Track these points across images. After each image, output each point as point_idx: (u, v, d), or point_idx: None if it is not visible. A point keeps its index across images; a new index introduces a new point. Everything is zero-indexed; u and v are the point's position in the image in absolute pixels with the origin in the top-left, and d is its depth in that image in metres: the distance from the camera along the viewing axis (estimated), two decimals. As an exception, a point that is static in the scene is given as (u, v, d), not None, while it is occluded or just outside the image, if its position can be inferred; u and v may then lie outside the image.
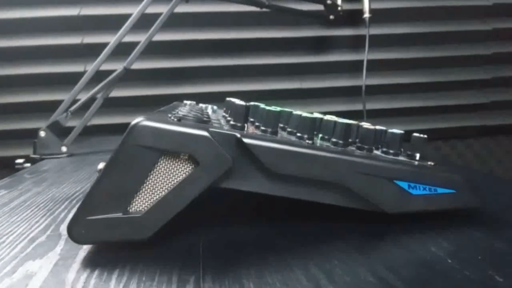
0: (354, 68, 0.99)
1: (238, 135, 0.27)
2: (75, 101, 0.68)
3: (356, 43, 0.99)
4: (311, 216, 0.32)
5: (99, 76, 0.69)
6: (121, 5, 0.92)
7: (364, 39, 0.92)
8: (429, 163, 0.31)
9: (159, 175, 0.27)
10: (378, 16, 0.96)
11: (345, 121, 0.32)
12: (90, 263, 0.26)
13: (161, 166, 0.27)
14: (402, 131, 0.34)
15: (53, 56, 0.91)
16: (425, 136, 0.32)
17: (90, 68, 0.68)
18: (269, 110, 0.30)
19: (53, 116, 0.65)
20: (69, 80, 0.78)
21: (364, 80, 0.93)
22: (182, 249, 0.27)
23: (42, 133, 0.64)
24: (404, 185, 0.29)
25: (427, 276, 0.22)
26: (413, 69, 1.01)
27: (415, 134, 0.33)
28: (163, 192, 0.27)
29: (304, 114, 0.31)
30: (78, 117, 0.69)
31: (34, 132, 0.65)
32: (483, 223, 0.30)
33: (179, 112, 0.30)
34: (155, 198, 0.27)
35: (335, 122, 0.32)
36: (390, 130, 0.33)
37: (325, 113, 1.00)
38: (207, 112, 0.39)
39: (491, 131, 1.06)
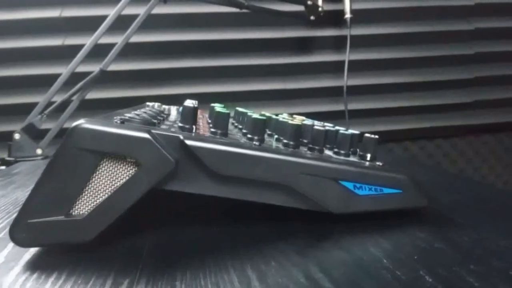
0: (338, 68, 0.99)
1: (181, 137, 0.27)
2: (50, 103, 0.68)
3: (339, 43, 1.00)
4: (259, 218, 0.32)
5: (80, 78, 0.69)
6: (103, 7, 0.92)
7: (350, 39, 0.92)
8: (377, 163, 0.31)
9: (101, 177, 0.27)
10: (361, 16, 0.96)
11: (296, 122, 0.32)
12: (32, 266, 0.26)
13: (103, 168, 0.27)
14: (356, 132, 0.34)
15: (34, 58, 0.91)
16: (376, 136, 0.33)
17: (65, 70, 0.68)
18: (218, 112, 0.30)
19: (28, 119, 0.65)
20: (49, 82, 0.78)
21: (345, 81, 0.93)
22: (125, 251, 0.27)
23: (16, 136, 0.64)
24: (349, 185, 0.29)
25: (357, 276, 0.22)
26: (396, 69, 1.01)
27: (367, 135, 0.33)
28: (105, 195, 0.27)
29: (255, 115, 0.31)
30: (54, 120, 0.69)
31: (9, 135, 0.65)
32: (428, 223, 0.30)
33: (126, 114, 0.30)
34: (97, 200, 0.27)
35: (286, 123, 0.32)
36: (341, 131, 0.33)
37: (301, 114, 1.00)
38: (167, 114, 0.39)
39: (475, 130, 1.06)
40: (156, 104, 0.44)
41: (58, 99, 0.69)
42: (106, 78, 0.93)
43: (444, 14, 1.00)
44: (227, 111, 0.30)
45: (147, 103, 0.44)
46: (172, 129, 0.29)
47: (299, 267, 0.24)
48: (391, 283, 0.21)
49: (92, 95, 0.90)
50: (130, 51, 0.93)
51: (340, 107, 1.00)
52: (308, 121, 0.45)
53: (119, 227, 0.29)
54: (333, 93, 1.00)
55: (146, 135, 0.26)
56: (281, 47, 0.99)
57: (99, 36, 0.69)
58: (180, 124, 0.30)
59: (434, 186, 0.41)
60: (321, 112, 1.02)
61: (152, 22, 0.92)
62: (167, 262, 0.25)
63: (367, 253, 0.25)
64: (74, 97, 0.68)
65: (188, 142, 0.27)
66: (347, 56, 0.93)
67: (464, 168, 1.09)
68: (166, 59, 0.95)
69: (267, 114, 0.43)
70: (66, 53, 0.91)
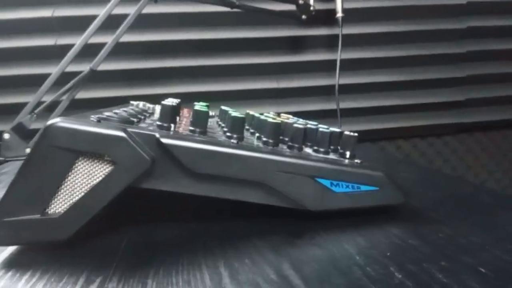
0: (330, 67, 0.99)
1: (157, 135, 0.27)
2: (40, 103, 0.68)
3: (332, 42, 1.00)
4: (238, 215, 0.32)
5: (71, 78, 0.69)
6: (95, 6, 0.92)
7: (342, 38, 0.92)
8: (356, 161, 0.31)
9: (77, 176, 0.27)
10: (353, 15, 0.96)
11: (276, 120, 0.32)
12: (7, 264, 0.26)
13: (79, 167, 0.27)
14: (336, 130, 0.34)
15: (26, 58, 0.91)
16: (356, 134, 0.33)
17: (55, 70, 0.68)
18: (197, 110, 0.31)
19: (18, 118, 0.65)
20: (41, 82, 0.78)
21: (337, 79, 0.93)
22: (100, 250, 0.27)
23: (6, 135, 0.63)
24: (326, 183, 0.29)
25: (327, 273, 0.22)
26: (388, 68, 1.01)
27: (346, 133, 0.33)
28: (81, 193, 0.27)
29: (234, 113, 0.32)
30: (44, 119, 0.68)
31: (-2, 134, 0.65)
32: (404, 219, 0.30)
33: (105, 113, 0.30)
34: (74, 199, 0.27)
35: (266, 121, 0.32)
36: (320, 129, 0.33)
37: (294, 113, 1.00)
38: (150, 113, 0.39)
39: (468, 128, 1.06)
40: (141, 103, 0.44)
41: (48, 98, 0.69)
42: (97, 78, 0.93)
43: (436, 13, 1.00)
44: (206, 110, 0.31)
45: (131, 102, 0.45)
46: (150, 128, 0.29)
47: (271, 264, 0.24)
48: (360, 279, 0.21)
49: (82, 94, 0.90)
50: (122, 50, 0.93)
51: (333, 106, 1.00)
52: (293, 120, 0.45)
53: (96, 226, 0.29)
54: (326, 92, 1.00)
55: (122, 134, 0.26)
56: (273, 46, 0.99)
57: (89, 36, 0.69)
58: (158, 123, 0.30)
59: (415, 183, 0.41)
60: (314, 111, 1.02)
61: (144, 22, 0.92)
62: (142, 260, 0.25)
63: (341, 249, 0.25)
64: (64, 97, 0.68)
65: (164, 140, 0.27)
66: (339, 55, 0.94)
67: (456, 166, 1.09)
68: (158, 58, 0.95)
69: (251, 112, 0.43)
70: (58, 53, 0.91)
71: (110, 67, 0.93)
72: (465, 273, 0.22)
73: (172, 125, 0.30)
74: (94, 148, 0.26)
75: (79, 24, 0.92)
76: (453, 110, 1.04)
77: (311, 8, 0.91)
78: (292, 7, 0.91)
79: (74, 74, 0.70)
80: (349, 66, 0.98)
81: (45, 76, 0.91)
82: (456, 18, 1.01)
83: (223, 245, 0.27)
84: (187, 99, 0.87)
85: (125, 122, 0.29)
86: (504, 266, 0.22)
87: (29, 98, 0.87)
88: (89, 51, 0.71)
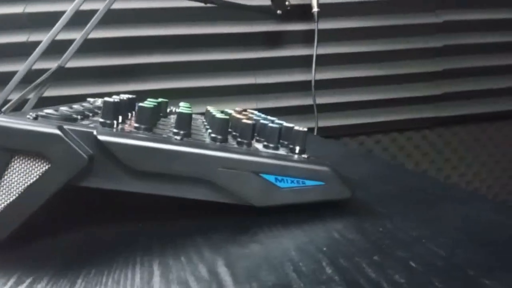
0: (308, 62, 0.99)
1: (95, 132, 0.27)
2: (7, 101, 0.67)
3: (309, 37, 0.99)
4: (182, 213, 0.31)
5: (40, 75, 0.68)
6: (68, 2, 0.90)
7: (319, 33, 0.92)
8: (304, 156, 0.31)
9: (13, 175, 0.26)
10: (328, 10, 0.96)
11: (224, 116, 0.32)
12: None
13: (15, 166, 0.26)
14: (287, 125, 0.34)
15: (-3, 55, 0.90)
16: (305, 129, 0.32)
17: (21, 67, 0.66)
18: (141, 106, 0.30)
19: (-18, 117, 0.63)
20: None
21: (313, 75, 0.94)
22: (37, 250, 0.26)
23: (-29, 134, 0.62)
24: (271, 178, 0.29)
25: (259, 269, 0.22)
26: (365, 63, 1.01)
27: (296, 127, 0.33)
28: (18, 193, 0.26)
29: (181, 109, 0.31)
30: (11, 117, 0.67)
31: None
32: (350, 214, 0.30)
33: (45, 110, 0.29)
34: (11, 199, 0.26)
35: (214, 117, 0.32)
36: (269, 124, 0.32)
37: (272, 109, 0.99)
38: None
39: (445, 121, 1.07)
40: (99, 100, 0.43)
41: (15, 96, 0.68)
42: (72, 75, 0.92)
43: (412, 7, 1.00)
44: (151, 106, 0.30)
45: (88, 99, 0.44)
46: (91, 125, 0.29)
47: (206, 262, 0.24)
48: (289, 274, 0.21)
49: (56, 92, 0.89)
50: (98, 47, 0.92)
51: (311, 101, 1.00)
52: (255, 116, 0.45)
53: (35, 226, 0.29)
54: (304, 87, 1.00)
55: (56, 131, 0.26)
56: (250, 42, 0.98)
57: (56, 32, 0.68)
58: (101, 120, 0.29)
59: (371, 178, 0.41)
60: (292, 106, 1.02)
61: (119, 18, 0.91)
62: (78, 260, 0.25)
63: (279, 245, 0.25)
64: (32, 94, 0.67)
65: (101, 137, 0.26)
66: (315, 50, 0.94)
67: (434, 159, 1.10)
68: (133, 54, 0.94)
69: (210, 109, 0.42)
70: (31, 50, 0.90)
71: (86, 63, 0.92)
72: (394, 268, 0.22)
73: (115, 122, 0.29)
74: (29, 146, 0.26)
75: (51, 20, 0.90)
76: (430, 104, 1.05)
77: (286, 3, 0.91)
78: (267, 2, 0.91)
79: (47, 71, 0.69)
80: (326, 61, 0.98)
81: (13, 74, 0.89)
82: (432, 12, 1.01)
83: (163, 244, 0.26)
84: (163, 95, 0.86)
85: (65, 119, 0.28)
86: (434, 260, 0.22)
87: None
88: (66, 48, 0.70)
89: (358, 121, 1.03)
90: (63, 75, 0.71)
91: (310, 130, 0.96)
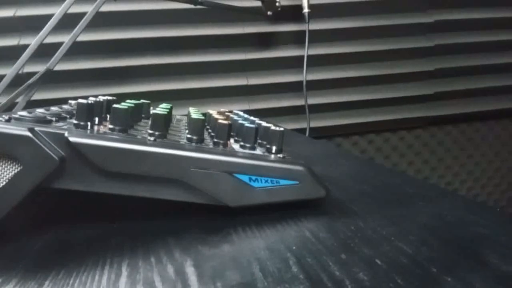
0: (299, 63, 0.99)
1: (66, 134, 0.27)
2: (-5, 104, 0.67)
3: (300, 38, 1.00)
4: (155, 214, 0.32)
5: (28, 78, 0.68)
6: (58, 5, 0.90)
7: (310, 34, 0.92)
8: (279, 155, 0.31)
9: (-16, 177, 0.26)
10: (320, 11, 0.96)
11: (199, 117, 0.32)
12: None
13: (-14, 168, 0.26)
14: (264, 125, 0.34)
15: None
16: (282, 129, 0.33)
17: (9, 70, 0.67)
18: (114, 108, 0.30)
19: (-30, 120, 0.63)
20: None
21: (304, 75, 0.94)
22: (9, 253, 0.26)
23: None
24: (245, 178, 0.29)
25: (225, 269, 0.22)
26: (357, 63, 1.01)
27: (272, 127, 0.33)
28: (-10, 195, 0.26)
29: (156, 110, 0.31)
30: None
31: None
32: (324, 213, 0.30)
33: (19, 113, 0.29)
34: (-18, 201, 0.26)
35: (190, 117, 0.32)
36: (246, 124, 0.32)
37: (263, 110, 1.00)
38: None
39: (437, 121, 1.07)
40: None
41: (4, 100, 0.68)
42: (62, 78, 0.92)
43: (403, 7, 1.00)
44: (125, 107, 0.30)
45: (70, 101, 0.44)
46: (65, 127, 0.29)
47: (175, 262, 0.24)
48: (254, 274, 0.21)
49: (44, 95, 0.90)
50: (88, 50, 0.92)
51: (303, 101, 1.00)
52: (237, 117, 0.45)
53: (9, 229, 0.29)
54: (296, 88, 1.00)
55: (26, 133, 0.26)
56: (241, 43, 0.99)
57: (45, 36, 0.68)
58: (74, 121, 0.29)
59: (349, 177, 0.41)
60: (284, 107, 1.02)
61: (109, 20, 0.91)
62: (49, 262, 0.25)
63: (249, 245, 0.25)
64: (20, 98, 0.67)
65: (72, 139, 0.26)
66: (306, 51, 0.94)
67: (427, 159, 1.10)
68: (123, 56, 0.94)
69: (192, 110, 0.42)
70: (22, 53, 0.90)
71: (75, 66, 0.92)
72: (360, 266, 0.22)
73: (89, 124, 0.29)
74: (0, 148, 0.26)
75: (42, 24, 0.91)
76: (422, 103, 1.05)
77: (277, 4, 0.91)
78: (258, 3, 0.91)
79: (30, 74, 0.69)
80: (317, 61, 0.98)
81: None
82: (423, 12, 1.02)
83: (134, 245, 0.26)
84: (155, 97, 0.86)
85: (39, 121, 0.29)
86: (400, 258, 0.22)
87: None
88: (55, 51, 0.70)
89: (351, 121, 1.03)
90: (51, 78, 0.71)
91: (302, 130, 0.96)
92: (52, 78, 0.71)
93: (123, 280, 0.22)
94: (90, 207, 0.34)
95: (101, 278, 0.22)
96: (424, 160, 1.10)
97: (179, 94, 0.97)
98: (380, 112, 1.03)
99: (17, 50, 0.90)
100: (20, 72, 0.75)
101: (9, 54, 0.90)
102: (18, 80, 0.67)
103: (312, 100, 0.97)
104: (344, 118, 1.04)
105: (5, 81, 0.67)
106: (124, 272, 0.23)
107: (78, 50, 0.82)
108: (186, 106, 0.90)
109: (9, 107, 0.68)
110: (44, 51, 0.69)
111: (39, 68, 0.68)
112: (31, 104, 0.70)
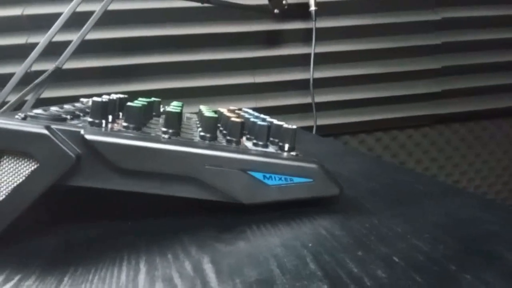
0: (306, 61, 0.99)
1: (82, 132, 0.27)
2: (5, 102, 0.67)
3: (307, 36, 0.99)
4: (170, 211, 0.32)
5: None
6: (66, 4, 0.91)
7: (317, 31, 0.92)
8: (292, 153, 0.31)
9: (2, 175, 0.27)
10: (326, 9, 0.96)
11: (212, 115, 0.32)
12: None
13: (3, 166, 0.26)
14: (277, 123, 0.34)
15: (-4, 58, 0.90)
16: (295, 126, 0.33)
17: (19, 69, 0.67)
18: (129, 106, 0.30)
19: (-19, 118, 0.64)
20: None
21: (311, 73, 0.94)
22: (27, 249, 0.27)
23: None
24: (259, 175, 0.29)
25: (243, 265, 0.22)
26: (364, 61, 1.01)
27: (285, 125, 0.33)
28: (7, 193, 0.27)
29: (169, 108, 0.31)
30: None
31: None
32: (337, 211, 0.30)
33: (35, 110, 0.30)
34: (0, 198, 0.27)
35: (203, 116, 0.32)
36: (258, 122, 0.33)
37: (270, 108, 1.00)
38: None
39: (445, 119, 1.07)
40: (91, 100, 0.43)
41: (14, 98, 0.68)
42: (71, 76, 0.92)
43: (411, 5, 1.00)
44: (139, 105, 0.30)
45: (81, 99, 0.44)
46: (80, 125, 0.29)
47: (192, 259, 0.24)
48: (273, 270, 0.22)
49: (53, 93, 0.90)
50: (97, 48, 0.92)
51: (310, 99, 1.00)
52: (248, 115, 0.45)
53: (26, 225, 0.29)
54: (302, 85, 1.00)
55: (44, 131, 0.26)
56: (248, 41, 0.99)
57: (53, 34, 0.69)
58: (89, 119, 0.29)
59: (359, 175, 0.41)
60: (290, 105, 1.02)
61: (117, 18, 0.92)
62: (65, 259, 0.25)
63: (265, 242, 0.25)
64: (29, 96, 0.68)
65: (88, 136, 0.27)
66: (313, 48, 0.94)
67: (435, 157, 1.10)
68: (131, 55, 0.94)
69: (203, 108, 0.43)
70: (30, 52, 0.90)
71: (83, 64, 0.92)
72: (377, 263, 0.22)
73: (104, 122, 0.30)
74: (17, 146, 0.26)
75: (50, 22, 0.91)
76: (430, 101, 1.05)
77: (284, 2, 0.91)
78: (264, 1, 0.91)
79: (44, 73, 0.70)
80: (324, 59, 0.98)
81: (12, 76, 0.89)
82: (430, 10, 1.01)
83: (150, 242, 0.27)
84: (162, 95, 0.86)
85: (54, 119, 0.29)
86: (416, 255, 0.22)
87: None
88: (64, 49, 0.71)
89: (358, 119, 1.02)
90: (60, 76, 0.71)
91: (309, 128, 0.96)
92: (59, 76, 0.71)
93: (142, 276, 0.22)
94: (104, 205, 0.34)
95: (120, 275, 0.23)
96: (431, 158, 1.10)
97: (185, 92, 0.98)
98: (388, 110, 1.03)
99: (25, 49, 0.91)
100: (28, 70, 0.75)
101: (17, 53, 0.91)
102: (26, 78, 0.67)
103: (318, 98, 0.97)
104: (351, 116, 1.04)
105: (15, 79, 0.68)
106: (142, 268, 0.23)
107: (86, 48, 0.82)
108: (192, 104, 0.90)
109: (18, 105, 0.68)
110: (51, 50, 0.69)
111: (46, 66, 0.68)
112: (39, 102, 0.70)
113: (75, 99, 0.91)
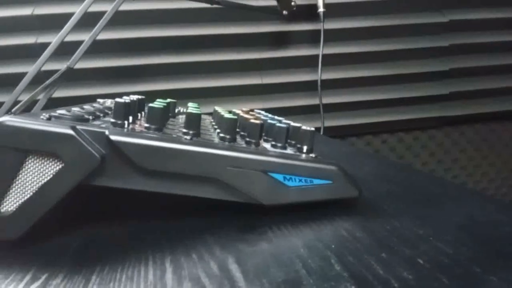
0: (314, 62, 0.99)
1: (107, 133, 0.27)
2: (17, 102, 0.68)
3: (315, 37, 1.00)
4: (192, 211, 0.32)
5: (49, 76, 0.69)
6: (76, 4, 0.91)
7: (325, 33, 0.92)
8: (311, 155, 0.32)
9: (27, 174, 0.27)
10: (335, 10, 0.96)
11: (231, 116, 0.32)
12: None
13: (29, 165, 0.27)
14: (294, 125, 0.34)
15: (7, 57, 0.91)
16: (313, 129, 0.33)
17: (30, 69, 0.67)
18: (151, 107, 0.31)
19: (-6, 118, 0.64)
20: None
21: (319, 75, 0.94)
22: (52, 248, 0.27)
23: (-18, 135, 0.63)
24: (279, 177, 0.29)
25: (268, 265, 0.23)
26: (372, 63, 1.01)
27: (303, 127, 0.33)
28: (32, 192, 0.27)
29: (190, 110, 0.32)
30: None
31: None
32: (357, 213, 0.30)
33: (58, 111, 0.30)
34: (25, 198, 0.27)
35: (222, 117, 0.32)
36: (277, 124, 0.33)
37: (278, 109, 1.00)
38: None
39: (452, 121, 1.07)
40: (109, 101, 0.44)
41: (25, 97, 0.69)
42: (81, 76, 0.93)
43: (418, 7, 1.00)
44: (161, 106, 0.31)
45: (98, 100, 0.45)
46: (103, 125, 0.29)
47: (217, 259, 0.24)
48: (299, 271, 0.22)
49: (65, 93, 0.91)
50: (107, 48, 0.93)
51: (317, 101, 1.00)
52: (263, 116, 0.45)
53: (50, 224, 0.29)
54: (310, 87, 1.00)
55: (70, 131, 0.26)
56: (256, 42, 0.99)
57: (65, 34, 0.69)
58: (112, 120, 0.30)
59: (376, 177, 0.41)
60: (298, 106, 1.02)
61: (128, 19, 0.92)
62: (91, 257, 0.25)
63: (288, 243, 0.26)
64: (41, 96, 0.68)
65: (113, 137, 0.27)
66: (321, 50, 0.94)
67: (442, 159, 1.10)
68: (141, 55, 0.95)
69: (218, 109, 0.43)
70: (39, 51, 0.91)
71: (94, 64, 0.93)
72: (402, 265, 0.22)
73: (126, 122, 0.30)
74: (42, 147, 0.26)
75: (59, 22, 0.92)
76: (437, 103, 1.05)
77: (292, 3, 0.91)
78: (273, 2, 0.91)
79: (55, 72, 0.70)
80: (332, 61, 0.98)
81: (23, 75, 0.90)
82: (438, 12, 1.01)
83: (174, 242, 0.27)
84: (170, 96, 0.86)
85: (78, 119, 0.29)
86: (441, 258, 0.23)
87: (5, 98, 0.87)
88: (75, 49, 0.71)
89: (365, 121, 1.02)
90: (72, 76, 0.72)
91: (317, 130, 0.96)
92: (70, 76, 0.71)
93: (169, 276, 0.23)
94: (127, 205, 0.34)
95: (147, 274, 0.23)
96: (438, 161, 1.10)
97: (193, 93, 0.98)
98: (395, 112, 1.03)
99: (35, 49, 0.91)
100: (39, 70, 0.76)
101: (27, 53, 0.91)
102: (36, 78, 0.68)
103: (326, 100, 0.97)
104: (358, 118, 1.04)
105: (27, 79, 0.68)
106: (168, 268, 0.23)
107: (96, 48, 0.82)
108: (200, 105, 0.90)
109: (29, 105, 0.69)
110: (60, 50, 0.70)
111: (55, 66, 0.69)
112: (50, 102, 0.71)
113: (84, 99, 0.91)
